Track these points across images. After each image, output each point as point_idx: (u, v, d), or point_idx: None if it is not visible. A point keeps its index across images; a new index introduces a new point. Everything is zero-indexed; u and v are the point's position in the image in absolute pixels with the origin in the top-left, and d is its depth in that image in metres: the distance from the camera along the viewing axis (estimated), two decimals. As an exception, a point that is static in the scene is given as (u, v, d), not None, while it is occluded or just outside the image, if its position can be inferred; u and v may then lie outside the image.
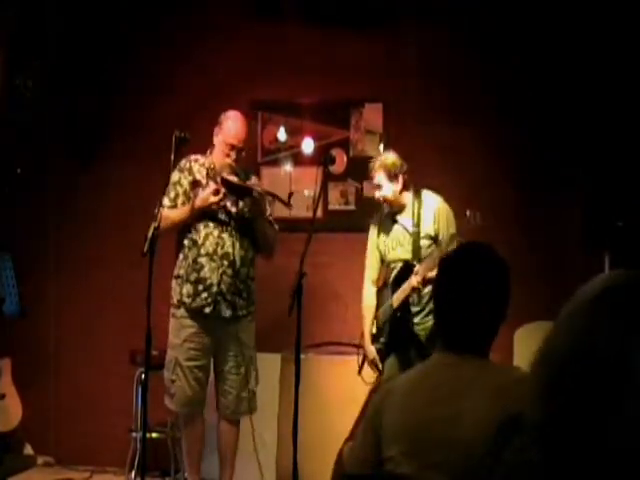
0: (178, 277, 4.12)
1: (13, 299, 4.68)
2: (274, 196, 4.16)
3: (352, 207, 5.09)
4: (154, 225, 3.79)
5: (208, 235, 4.07)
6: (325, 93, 5.05)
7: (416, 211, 4.10)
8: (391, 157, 4.10)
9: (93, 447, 5.21)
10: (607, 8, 4.36)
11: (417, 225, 4.09)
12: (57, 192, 5.38)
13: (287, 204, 4.16)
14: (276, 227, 4.26)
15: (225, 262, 4.06)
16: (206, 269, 4.06)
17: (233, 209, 4.09)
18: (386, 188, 4.06)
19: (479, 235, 4.39)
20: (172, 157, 3.79)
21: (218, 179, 4.08)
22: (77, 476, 5.07)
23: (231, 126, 4.09)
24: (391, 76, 4.95)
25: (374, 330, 4.20)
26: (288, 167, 5.18)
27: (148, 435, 4.23)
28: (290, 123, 5.17)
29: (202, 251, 4.07)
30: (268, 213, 4.22)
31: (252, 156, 5.17)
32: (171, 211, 4.06)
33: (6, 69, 5.10)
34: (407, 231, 4.11)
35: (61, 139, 5.38)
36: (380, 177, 4.07)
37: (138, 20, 5.29)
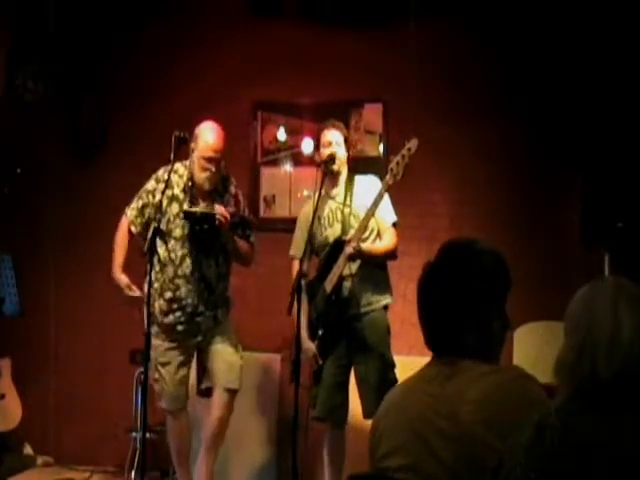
0: (151, 286, 3.96)
1: (13, 299, 4.67)
2: (242, 218, 4.12)
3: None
4: (154, 225, 3.80)
5: (185, 257, 4.03)
6: (325, 93, 5.05)
7: (348, 190, 4.02)
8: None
9: (93, 447, 5.21)
10: (607, 10, 4.35)
11: (349, 202, 3.99)
12: (57, 192, 5.38)
13: (254, 224, 4.15)
14: (252, 241, 4.17)
15: (202, 285, 4.05)
16: (182, 290, 4.04)
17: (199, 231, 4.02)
18: (341, 149, 4.01)
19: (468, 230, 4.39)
20: (172, 157, 3.79)
21: (186, 208, 4.01)
22: (77, 476, 5.07)
23: (205, 139, 3.97)
24: (391, 76, 4.95)
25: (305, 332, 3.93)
26: (288, 167, 5.19)
27: (148, 435, 4.23)
28: (290, 123, 5.17)
29: (179, 272, 4.03)
30: (244, 231, 4.14)
31: (252, 156, 5.18)
32: (117, 244, 4.13)
33: (6, 69, 5.10)
34: (340, 208, 4.02)
35: (61, 139, 5.38)
36: (338, 136, 4.01)
37: (138, 20, 5.29)
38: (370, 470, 1.99)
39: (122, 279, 4.04)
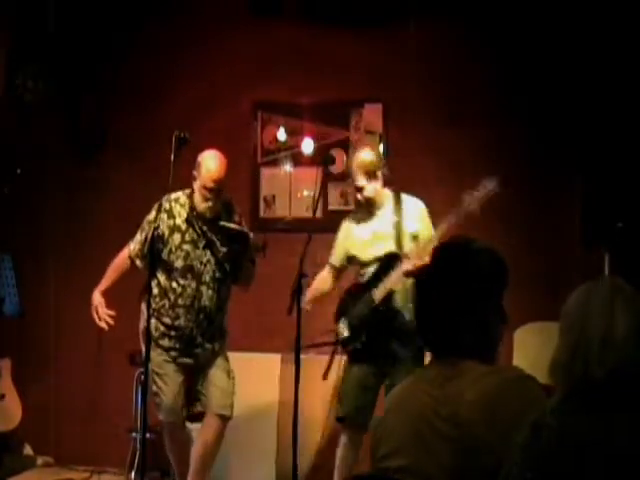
0: (149, 305, 3.79)
1: (13, 299, 4.67)
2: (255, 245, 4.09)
3: (352, 207, 5.09)
4: (154, 226, 3.79)
5: (186, 287, 4.00)
6: (325, 93, 5.05)
7: (397, 208, 4.02)
8: (368, 156, 3.98)
9: (93, 447, 5.21)
10: (607, 10, 4.36)
11: (399, 221, 3.99)
12: (57, 192, 5.38)
13: (260, 250, 4.07)
14: (256, 263, 4.16)
15: (201, 315, 4.03)
16: (182, 320, 4.02)
17: (224, 249, 4.03)
18: (369, 189, 3.96)
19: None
20: (172, 157, 3.78)
21: (198, 224, 4.00)
22: (77, 476, 5.07)
23: (207, 167, 3.92)
24: (391, 76, 4.95)
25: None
26: (288, 167, 5.19)
27: (148, 435, 4.23)
28: (290, 123, 5.17)
29: (180, 302, 4.01)
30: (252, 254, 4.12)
31: (252, 156, 5.18)
32: (109, 270, 4.18)
33: (6, 69, 5.10)
34: (390, 226, 4.01)
35: (61, 139, 5.38)
36: (361, 179, 3.95)
37: (138, 20, 5.28)
38: (370, 470, 1.99)
39: (95, 299, 4.09)
